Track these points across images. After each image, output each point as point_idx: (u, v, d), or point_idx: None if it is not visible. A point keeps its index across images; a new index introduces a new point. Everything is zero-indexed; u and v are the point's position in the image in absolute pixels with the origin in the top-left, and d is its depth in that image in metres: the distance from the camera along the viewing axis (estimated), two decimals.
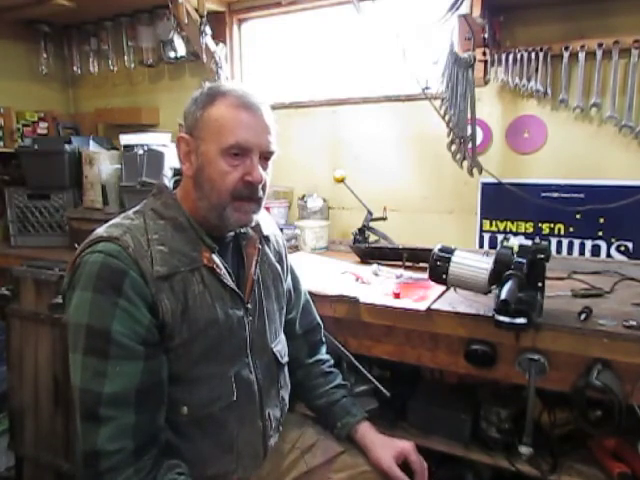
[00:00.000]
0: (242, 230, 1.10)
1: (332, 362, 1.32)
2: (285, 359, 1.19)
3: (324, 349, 1.34)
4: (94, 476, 0.87)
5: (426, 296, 1.38)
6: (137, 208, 1.04)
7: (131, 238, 0.94)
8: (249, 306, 1.06)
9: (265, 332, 1.11)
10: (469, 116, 1.63)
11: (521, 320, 1.08)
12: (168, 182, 1.08)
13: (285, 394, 1.19)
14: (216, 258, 1.01)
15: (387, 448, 1.14)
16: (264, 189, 1.03)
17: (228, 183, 0.97)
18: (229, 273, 1.03)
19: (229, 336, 1.02)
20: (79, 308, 0.90)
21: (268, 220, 1.23)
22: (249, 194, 1.00)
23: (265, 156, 1.02)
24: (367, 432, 1.18)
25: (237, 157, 0.97)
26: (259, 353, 1.09)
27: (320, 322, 1.35)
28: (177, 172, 1.10)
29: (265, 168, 1.02)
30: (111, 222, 1.00)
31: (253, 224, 1.07)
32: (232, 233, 1.08)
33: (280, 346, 1.17)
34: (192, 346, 0.97)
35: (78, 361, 0.89)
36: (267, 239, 1.17)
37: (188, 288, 0.97)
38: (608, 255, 1.68)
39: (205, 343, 0.98)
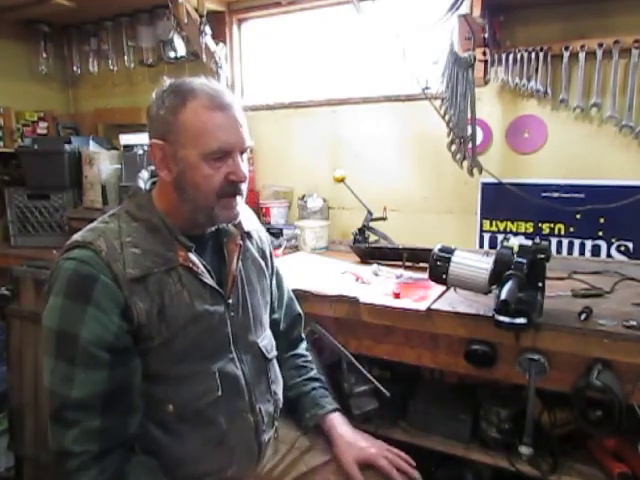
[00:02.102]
0: (223, 227, 1.10)
1: (309, 358, 1.32)
2: (272, 354, 1.18)
3: (303, 345, 1.34)
4: (62, 474, 0.90)
5: (426, 296, 1.38)
6: (113, 211, 1.05)
7: (104, 242, 0.95)
8: (230, 302, 1.07)
9: (250, 327, 1.11)
10: (469, 116, 1.63)
11: (521, 320, 1.08)
12: (143, 183, 1.08)
13: (277, 389, 1.19)
14: (193, 257, 1.01)
15: (352, 449, 1.12)
16: (245, 183, 1.04)
17: (214, 185, 0.98)
18: (208, 270, 1.03)
19: (210, 333, 1.03)
20: (51, 313, 0.93)
21: (250, 216, 1.23)
22: (233, 191, 1.01)
23: (242, 152, 1.02)
24: (336, 425, 1.17)
25: (219, 159, 0.97)
26: (244, 348, 1.09)
27: (301, 313, 1.35)
28: (154, 174, 1.10)
29: (242, 161, 1.02)
30: (88, 226, 1.01)
31: (233, 224, 1.09)
32: (212, 229, 1.08)
33: (266, 341, 1.17)
34: (172, 345, 0.98)
35: (50, 364, 0.92)
36: (249, 235, 1.18)
37: (164, 288, 0.97)
38: (608, 255, 1.68)
39: (186, 341, 0.99)
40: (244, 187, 1.03)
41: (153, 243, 0.99)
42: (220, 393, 1.02)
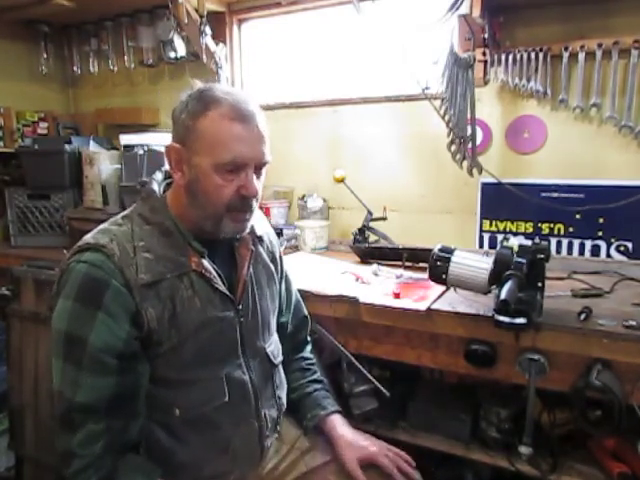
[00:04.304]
0: None
1: (313, 361, 1.32)
2: (278, 359, 1.19)
3: (308, 348, 1.34)
4: (67, 476, 0.91)
5: (426, 296, 1.38)
6: (126, 212, 1.04)
7: (117, 245, 0.94)
8: (240, 307, 1.06)
9: (258, 332, 1.11)
10: (469, 116, 1.64)
11: (521, 320, 1.08)
12: (157, 185, 1.07)
13: (282, 394, 1.19)
14: (205, 262, 1.01)
15: (353, 448, 1.12)
16: (257, 199, 1.02)
17: (224, 197, 0.96)
18: (220, 276, 1.03)
19: (219, 338, 1.02)
20: (60, 316, 0.92)
21: (261, 220, 1.22)
22: (243, 206, 0.99)
23: (259, 167, 1.00)
24: (336, 426, 1.17)
25: (232, 172, 0.96)
26: (252, 354, 1.09)
27: (307, 315, 1.35)
28: (168, 175, 1.09)
29: (258, 176, 1.01)
30: (100, 227, 1.00)
31: (247, 231, 1.08)
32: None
33: (273, 346, 1.17)
34: (182, 350, 0.97)
35: (58, 366, 0.92)
36: (260, 239, 1.17)
37: (176, 294, 0.96)
38: (608, 255, 1.68)
39: (195, 347, 0.99)
40: (255, 202, 1.01)
41: (166, 248, 0.98)
42: (227, 399, 1.02)
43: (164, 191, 1.07)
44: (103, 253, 0.92)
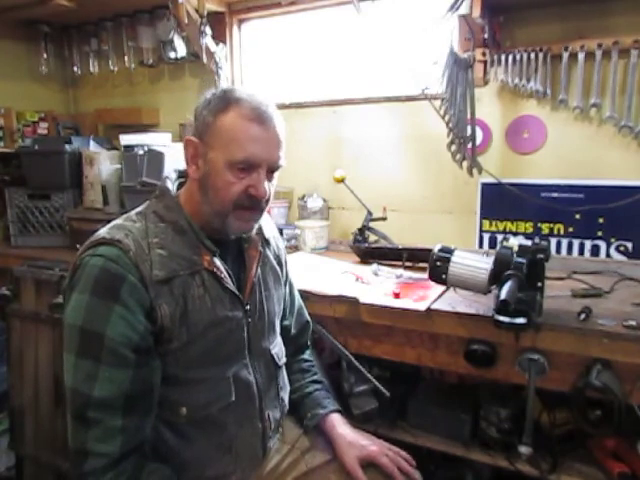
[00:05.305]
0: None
1: (313, 363, 1.32)
2: (282, 361, 1.19)
3: (308, 351, 1.35)
4: (79, 475, 0.89)
5: (426, 296, 1.38)
6: (139, 209, 1.05)
7: (132, 241, 0.94)
8: (248, 307, 1.07)
9: (264, 333, 1.12)
10: (469, 116, 1.64)
11: (521, 320, 1.09)
12: (171, 184, 1.08)
13: (285, 395, 1.19)
14: (217, 261, 1.02)
15: (354, 448, 1.12)
16: (267, 201, 1.03)
17: (232, 194, 0.98)
18: (230, 275, 1.04)
19: (227, 338, 1.03)
20: (75, 310, 0.91)
21: (269, 223, 1.24)
22: (251, 204, 1.00)
23: (272, 170, 1.02)
24: (337, 425, 1.17)
25: (244, 170, 0.97)
26: (258, 354, 1.10)
27: (309, 320, 1.36)
28: (181, 174, 1.11)
29: (270, 179, 1.02)
30: (113, 223, 1.00)
31: (254, 232, 1.09)
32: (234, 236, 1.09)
33: (277, 348, 1.18)
34: (191, 349, 0.98)
35: (71, 362, 0.91)
36: (268, 242, 1.18)
37: (187, 291, 0.97)
38: (607, 255, 1.68)
39: (204, 345, 0.99)
40: (265, 204, 1.03)
41: (179, 246, 0.99)
42: (233, 398, 1.02)
43: (177, 189, 1.08)
44: (119, 248, 0.92)
